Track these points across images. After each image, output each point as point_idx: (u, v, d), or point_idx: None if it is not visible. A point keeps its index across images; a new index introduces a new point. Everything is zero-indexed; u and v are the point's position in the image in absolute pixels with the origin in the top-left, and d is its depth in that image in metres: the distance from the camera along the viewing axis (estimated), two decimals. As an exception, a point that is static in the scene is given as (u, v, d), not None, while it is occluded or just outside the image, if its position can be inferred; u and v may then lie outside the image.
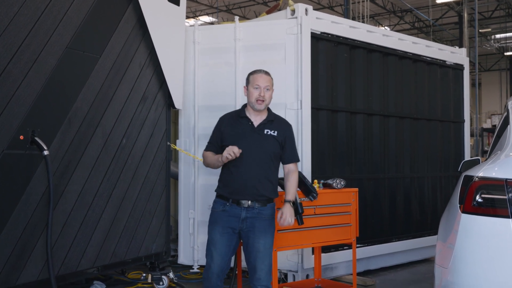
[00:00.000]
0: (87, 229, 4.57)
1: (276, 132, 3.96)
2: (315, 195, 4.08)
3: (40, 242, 4.06)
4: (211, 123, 5.84)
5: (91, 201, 4.61)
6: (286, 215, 3.79)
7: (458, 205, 2.94)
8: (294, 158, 4.04)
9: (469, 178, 2.93)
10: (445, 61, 7.48)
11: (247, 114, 3.98)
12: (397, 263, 6.77)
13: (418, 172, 7.06)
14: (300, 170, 5.49)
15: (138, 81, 5.19)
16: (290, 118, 5.64)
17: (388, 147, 6.68)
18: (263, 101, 3.91)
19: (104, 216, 4.75)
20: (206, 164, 4.03)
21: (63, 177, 4.33)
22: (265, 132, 3.93)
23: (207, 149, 4.03)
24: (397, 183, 6.77)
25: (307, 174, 5.56)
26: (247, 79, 4.04)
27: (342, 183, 4.41)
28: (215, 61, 5.98)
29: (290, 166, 4.02)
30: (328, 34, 5.98)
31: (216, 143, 3.99)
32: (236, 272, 4.47)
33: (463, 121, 7.78)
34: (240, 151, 3.74)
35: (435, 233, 7.19)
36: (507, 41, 28.84)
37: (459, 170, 6.80)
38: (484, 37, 28.21)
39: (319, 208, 4.31)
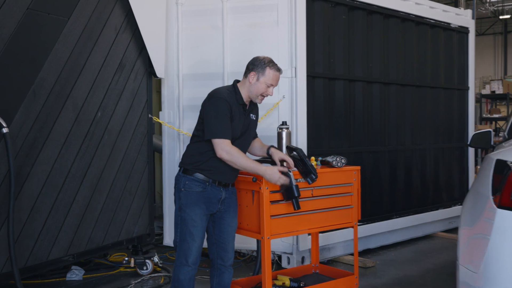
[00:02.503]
0: (58, 214, 4.10)
1: (255, 116, 3.76)
2: (314, 177, 3.60)
3: (2, 232, 3.58)
4: (196, 93, 5.39)
5: (62, 183, 4.13)
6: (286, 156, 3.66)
7: (491, 197, 2.44)
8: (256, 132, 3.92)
9: (505, 165, 2.43)
10: (449, 23, 6.95)
11: (244, 100, 3.62)
12: (398, 240, 6.37)
13: (420, 144, 6.61)
14: (294, 144, 5.03)
15: (114, 47, 4.65)
16: (283, 87, 5.17)
17: (389, 117, 6.20)
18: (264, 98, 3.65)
19: (78, 199, 4.28)
20: (241, 166, 3.48)
21: (29, 157, 3.83)
22: (251, 117, 3.70)
23: (229, 137, 3.45)
24: (398, 156, 6.32)
25: (303, 148, 5.08)
26: (262, 69, 3.56)
27: (343, 161, 3.94)
28: (200, 24, 5.42)
29: (257, 139, 3.94)
30: (325, -7, 5.43)
31: (231, 130, 3.48)
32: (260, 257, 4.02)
33: (468, 88, 7.30)
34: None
35: (437, 208, 6.88)
36: (504, 4, 28.12)
37: (468, 143, 6.38)
38: (479, 0, 27.46)
39: (317, 190, 3.84)
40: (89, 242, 4.40)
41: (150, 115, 5.10)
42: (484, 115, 14.28)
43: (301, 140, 5.14)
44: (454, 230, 7.08)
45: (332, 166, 3.99)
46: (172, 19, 5.40)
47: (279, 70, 3.61)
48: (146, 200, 5.06)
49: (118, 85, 4.69)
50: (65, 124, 4.13)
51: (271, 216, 3.63)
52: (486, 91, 14.33)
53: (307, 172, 3.68)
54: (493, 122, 15.03)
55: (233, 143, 3.50)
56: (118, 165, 4.70)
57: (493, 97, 14.79)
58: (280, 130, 4.07)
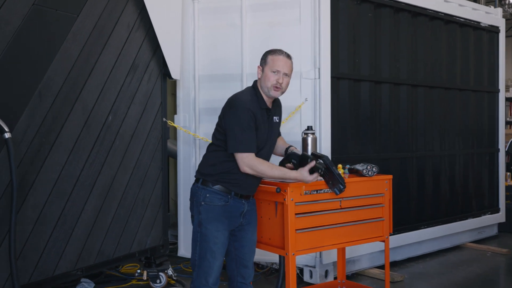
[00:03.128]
0: (66, 225, 3.80)
1: (278, 118, 3.48)
2: (342, 187, 3.27)
3: (3, 248, 3.29)
4: (213, 95, 5.09)
5: (70, 192, 3.83)
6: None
7: None
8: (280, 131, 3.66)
9: None
10: (479, 22, 6.58)
11: (267, 104, 3.33)
12: (425, 252, 6.01)
13: (449, 149, 6.24)
14: (318, 149, 4.70)
15: (126, 46, 4.35)
16: (306, 89, 4.87)
17: (417, 121, 5.85)
18: (280, 88, 3.27)
19: (87, 208, 3.98)
20: (269, 177, 3.29)
21: (34, 164, 3.54)
22: (274, 120, 3.42)
23: (254, 151, 3.19)
24: (426, 162, 5.96)
25: (326, 154, 4.75)
26: (264, 59, 3.32)
27: (374, 169, 3.60)
28: (218, 22, 5.12)
29: (280, 137, 3.70)
30: (350, -11, 5.10)
31: (255, 141, 3.21)
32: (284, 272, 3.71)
33: (498, 91, 6.92)
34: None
35: (466, 217, 6.49)
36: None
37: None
38: (498, 2, 26.86)
39: (346, 201, 3.52)
40: (98, 255, 4.10)
41: (164, 119, 4.80)
42: (507, 119, 13.80)
43: (324, 146, 4.81)
44: (484, 241, 6.71)
45: (362, 175, 3.65)
46: (188, 17, 5.11)
47: (281, 53, 3.29)
48: (160, 209, 4.75)
49: (130, 87, 4.40)
50: (73, 128, 3.84)
51: (296, 230, 3.31)
52: (510, 94, 13.85)
53: (334, 182, 3.35)
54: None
55: (258, 152, 3.22)
56: (130, 172, 4.40)
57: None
58: (305, 136, 3.75)
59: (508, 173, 7.55)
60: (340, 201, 3.50)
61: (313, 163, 3.23)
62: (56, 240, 3.72)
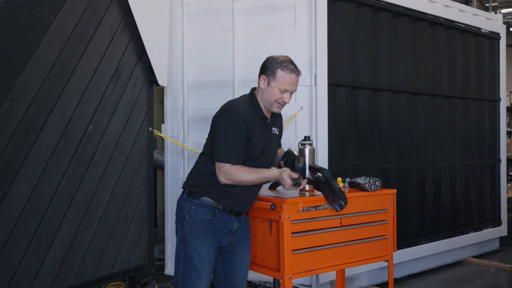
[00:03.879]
0: (41, 244, 3.47)
1: (277, 129, 3.20)
2: (343, 203, 2.98)
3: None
4: (203, 103, 4.78)
5: (46, 208, 3.51)
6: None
7: None
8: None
9: None
10: (479, 28, 6.33)
11: (264, 113, 3.06)
12: (426, 268, 5.71)
13: (450, 160, 5.97)
14: (315, 160, 4.41)
15: (109, 50, 4.05)
16: (301, 97, 4.58)
17: (417, 130, 5.58)
18: (283, 106, 3.04)
19: (64, 226, 3.66)
20: (248, 182, 2.93)
21: (4, 179, 3.22)
22: (273, 131, 3.15)
23: (237, 162, 2.90)
24: (427, 173, 5.68)
25: (323, 165, 4.47)
26: (272, 71, 2.96)
27: (377, 183, 3.32)
28: (208, 26, 4.83)
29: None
30: (348, -8, 4.84)
31: (242, 150, 2.92)
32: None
33: (499, 99, 6.67)
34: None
35: (468, 231, 6.21)
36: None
37: None
38: (493, 12, 26.77)
39: (347, 218, 3.22)
40: (77, 276, 3.77)
41: (150, 129, 4.49)
42: (508, 129, 13.56)
43: (321, 157, 4.52)
44: (486, 256, 6.43)
45: (364, 189, 3.36)
46: (176, 21, 4.82)
47: (294, 71, 2.97)
48: (145, 226, 4.43)
49: (113, 94, 4.09)
50: (49, 139, 3.53)
51: (293, 250, 3.01)
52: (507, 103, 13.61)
53: (334, 197, 3.06)
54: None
55: (252, 163, 2.93)
56: (113, 186, 4.08)
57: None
58: (302, 146, 3.44)
59: (509, 185, 7.29)
60: (341, 218, 3.20)
61: (295, 175, 2.87)
62: (29, 261, 3.39)
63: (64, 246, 3.65)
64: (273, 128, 3.12)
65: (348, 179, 3.56)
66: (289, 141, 4.53)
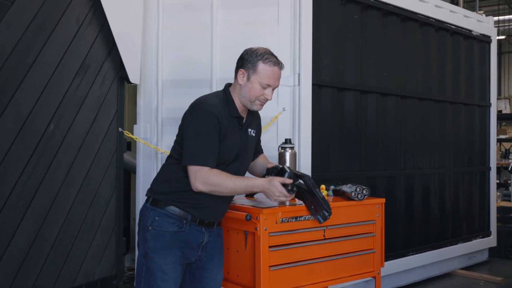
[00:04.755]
0: (-10, 256, 3.12)
1: (254, 131, 2.87)
2: (327, 214, 2.67)
3: None
4: (179, 103, 4.39)
5: (-3, 215, 3.16)
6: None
7: None
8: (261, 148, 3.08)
9: None
10: (471, 30, 6.09)
11: (239, 111, 2.72)
12: (414, 280, 5.43)
13: (439, 167, 5.70)
14: (297, 166, 4.10)
15: (75, 42, 3.71)
16: (284, 97, 4.28)
17: (405, 135, 5.30)
18: (264, 103, 2.73)
19: (19, 236, 3.30)
20: (231, 191, 2.60)
21: None
22: (249, 133, 2.81)
23: (211, 164, 2.55)
24: (415, 181, 5.41)
25: (307, 172, 4.17)
26: (253, 64, 2.65)
27: (364, 192, 3.02)
28: (185, 20, 4.51)
29: (263, 155, 3.07)
30: (334, -13, 4.55)
31: (217, 152, 2.59)
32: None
33: (490, 104, 6.43)
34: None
35: (457, 241, 5.94)
36: (499, 25, 27.48)
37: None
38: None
39: (331, 230, 2.92)
40: (33, 291, 3.42)
41: (120, 129, 4.15)
42: (500, 136, 13.42)
43: (304, 163, 4.22)
44: (475, 267, 6.17)
45: (350, 199, 3.05)
46: (151, 14, 4.49)
47: (277, 63, 2.65)
48: (113, 234, 4.09)
49: (79, 91, 3.75)
50: (3, 138, 3.18)
51: (270, 266, 2.69)
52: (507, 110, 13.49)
53: (317, 207, 2.75)
54: (498, 144, 14.20)
55: (225, 168, 2.59)
56: (77, 191, 3.73)
57: (500, 117, 13.94)
58: (283, 150, 3.14)
59: (499, 193, 7.05)
60: (324, 230, 2.90)
61: (289, 181, 2.60)
62: (-24, 275, 3.04)
63: (17, 258, 3.29)
64: (250, 130, 2.79)
65: (332, 187, 3.26)
66: (270, 145, 4.23)
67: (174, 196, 2.63)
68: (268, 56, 2.64)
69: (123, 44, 4.06)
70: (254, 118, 2.85)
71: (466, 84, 6.10)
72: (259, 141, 3.01)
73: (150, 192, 2.73)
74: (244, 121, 2.74)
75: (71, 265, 3.70)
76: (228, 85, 2.76)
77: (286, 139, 3.16)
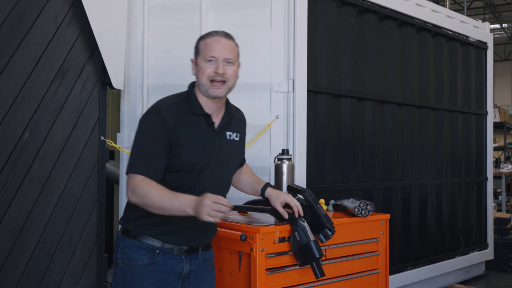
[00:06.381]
0: (-44, 278, 2.82)
1: (238, 134, 2.49)
2: (330, 233, 2.43)
3: None
4: (165, 110, 4.20)
5: (-36, 232, 2.86)
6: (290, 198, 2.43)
7: None
8: (244, 157, 2.70)
9: None
10: (467, 36, 5.91)
11: (205, 109, 2.34)
12: (410, 297, 5.19)
13: (437, 178, 5.49)
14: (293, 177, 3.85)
15: (53, 44, 3.44)
16: (277, 104, 4.04)
17: (402, 144, 5.08)
18: (224, 82, 2.30)
19: (-10, 253, 3.01)
20: (154, 206, 2.17)
21: None
22: (228, 137, 2.42)
23: (151, 175, 2.20)
24: (412, 192, 5.18)
25: (302, 183, 3.92)
26: (197, 48, 2.37)
27: (369, 208, 2.78)
28: (172, 22, 4.24)
29: (246, 168, 2.71)
30: (330, -12, 4.33)
31: (160, 161, 2.23)
32: None
33: (486, 113, 6.25)
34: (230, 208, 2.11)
35: (454, 255, 5.72)
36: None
37: None
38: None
39: (333, 249, 2.67)
40: (5, 313, 3.12)
41: (102, 138, 3.87)
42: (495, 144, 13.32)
43: (299, 174, 3.95)
44: (472, 281, 5.96)
45: (353, 215, 2.81)
46: (136, 15, 4.22)
47: (216, 33, 2.33)
48: (94, 250, 3.80)
49: (57, 96, 3.47)
50: (-28, 147, 2.90)
51: (268, 291, 2.43)
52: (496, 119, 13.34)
53: (319, 225, 2.50)
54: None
55: (198, 178, 2.25)
56: (54, 204, 3.45)
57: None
58: (279, 162, 2.89)
59: (495, 204, 6.87)
60: (325, 249, 2.64)
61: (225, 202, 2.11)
62: None
63: (-12, 278, 3.00)
64: (228, 133, 2.41)
65: (332, 201, 3.02)
66: (263, 155, 4.00)
67: (143, 222, 2.29)
68: (208, 32, 2.37)
69: (105, 47, 3.78)
70: (233, 118, 2.46)
71: (463, 92, 5.91)
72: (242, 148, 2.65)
73: (121, 220, 2.41)
74: (219, 122, 2.38)
75: (48, 284, 3.40)
76: (194, 83, 2.43)
77: (283, 150, 2.91)
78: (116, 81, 3.92)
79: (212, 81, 2.27)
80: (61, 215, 3.51)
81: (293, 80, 4.02)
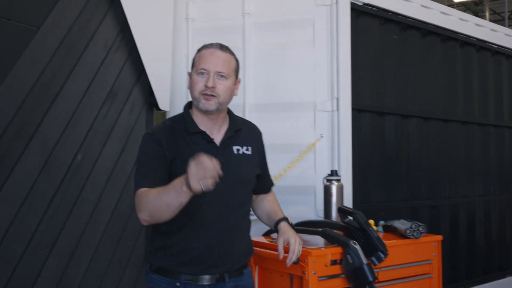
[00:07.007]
0: (13, 298, 2.90)
1: (249, 148, 2.32)
2: (383, 255, 2.40)
3: None
4: (210, 130, 4.25)
5: (22, 254, 2.95)
6: (294, 240, 2.21)
7: None
8: (271, 183, 2.53)
9: None
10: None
11: (200, 127, 2.24)
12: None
13: (485, 195, 5.37)
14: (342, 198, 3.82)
15: (103, 69, 3.53)
16: (321, 123, 4.02)
17: (449, 161, 4.99)
18: (213, 96, 2.17)
19: (45, 274, 3.08)
20: (157, 206, 2.00)
21: (-32, 220, 2.67)
22: (235, 152, 2.27)
23: (144, 184, 2.12)
24: (459, 210, 5.08)
25: (348, 202, 3.88)
26: (192, 60, 2.31)
27: (421, 229, 2.74)
28: (216, 44, 4.30)
29: (270, 196, 2.51)
30: (372, 6, 4.32)
31: (159, 172, 2.15)
32: None
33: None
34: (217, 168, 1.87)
35: (505, 275, 5.54)
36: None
37: None
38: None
39: (385, 272, 2.64)
40: (59, 334, 3.18)
41: (149, 159, 3.93)
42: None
43: (346, 192, 3.91)
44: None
45: (405, 236, 2.77)
46: (180, 38, 4.30)
47: (211, 45, 2.22)
48: (143, 271, 3.84)
49: (106, 120, 3.56)
50: (28, 171, 2.98)
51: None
52: None
53: (372, 247, 2.48)
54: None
55: (201, 199, 2.05)
56: (104, 226, 3.52)
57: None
58: (329, 183, 2.88)
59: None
60: (377, 272, 2.61)
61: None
62: (-2, 320, 2.82)
63: (43, 299, 3.07)
64: (235, 147, 2.26)
65: (382, 222, 2.98)
66: (307, 174, 3.99)
67: (159, 253, 2.21)
68: (204, 44, 2.27)
69: (152, 70, 3.87)
70: (248, 134, 2.34)
71: (509, 106, 5.78)
72: (265, 170, 2.47)
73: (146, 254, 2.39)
74: (222, 137, 2.25)
75: (98, 305, 3.46)
76: (189, 103, 2.34)
77: (332, 171, 2.91)
78: (163, 103, 4.00)
79: (202, 94, 2.17)
80: (110, 237, 3.57)
81: (338, 99, 4.01)
